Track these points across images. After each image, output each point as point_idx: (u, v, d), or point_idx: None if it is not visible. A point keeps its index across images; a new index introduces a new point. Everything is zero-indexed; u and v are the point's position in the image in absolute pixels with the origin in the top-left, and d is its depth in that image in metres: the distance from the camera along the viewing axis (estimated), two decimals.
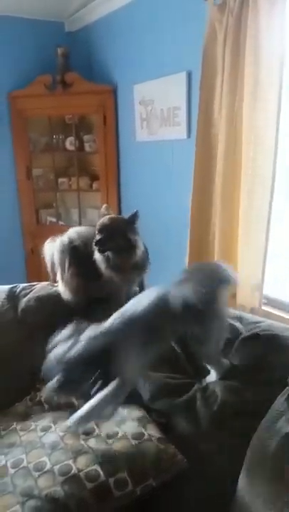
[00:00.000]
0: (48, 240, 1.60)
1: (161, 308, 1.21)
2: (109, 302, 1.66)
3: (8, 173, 3.58)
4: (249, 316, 1.47)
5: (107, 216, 1.51)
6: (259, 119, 2.00)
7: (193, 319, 1.25)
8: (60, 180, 3.66)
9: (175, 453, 1.18)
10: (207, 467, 1.18)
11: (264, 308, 2.25)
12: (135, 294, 1.66)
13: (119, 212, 3.49)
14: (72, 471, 1.11)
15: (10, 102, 3.44)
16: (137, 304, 1.25)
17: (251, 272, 2.18)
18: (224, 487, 1.13)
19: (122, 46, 3.11)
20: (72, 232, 1.59)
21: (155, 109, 2.82)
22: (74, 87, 3.29)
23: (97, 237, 1.46)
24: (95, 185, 3.58)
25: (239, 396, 1.23)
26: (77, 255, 1.54)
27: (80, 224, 3.51)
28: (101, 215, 1.54)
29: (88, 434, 1.23)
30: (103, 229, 1.47)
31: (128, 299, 1.62)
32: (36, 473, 1.13)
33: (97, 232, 1.47)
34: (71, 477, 1.09)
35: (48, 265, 1.59)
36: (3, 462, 1.20)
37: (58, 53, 3.32)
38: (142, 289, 1.67)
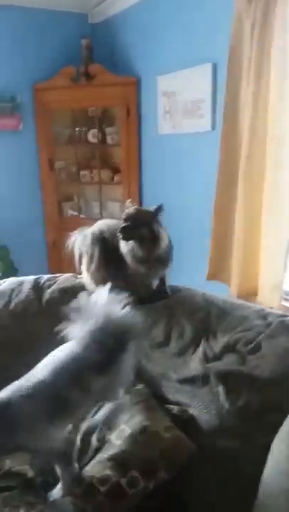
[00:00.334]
0: (76, 231, 1.61)
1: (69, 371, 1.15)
2: (131, 295, 1.67)
3: (32, 165, 3.62)
4: (274, 311, 1.46)
5: (133, 207, 1.54)
6: (286, 110, 1.97)
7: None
8: (82, 172, 3.68)
9: (182, 439, 1.17)
10: (229, 464, 1.17)
11: (284, 303, 2.24)
12: (159, 289, 1.67)
13: (140, 205, 3.49)
14: (86, 482, 1.12)
15: (34, 94, 3.46)
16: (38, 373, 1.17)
17: (272, 272, 2.17)
18: (247, 484, 1.12)
19: (146, 37, 3.09)
20: (102, 224, 1.60)
21: (179, 101, 2.80)
22: (97, 78, 3.28)
23: (122, 224, 1.49)
24: (116, 178, 3.59)
25: (265, 391, 1.22)
26: (106, 247, 1.55)
27: (101, 217, 3.53)
28: (126, 208, 1.55)
29: (100, 448, 1.24)
30: (128, 218, 1.49)
31: (150, 293, 1.64)
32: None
33: (122, 220, 1.50)
34: (85, 487, 1.11)
35: (76, 256, 1.60)
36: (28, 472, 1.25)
37: (82, 45, 3.31)
38: (163, 284, 1.67)
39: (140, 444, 1.17)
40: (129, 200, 1.61)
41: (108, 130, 3.51)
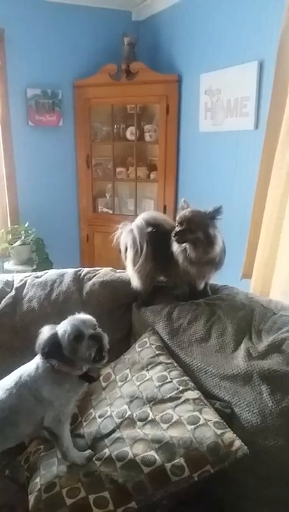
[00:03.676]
0: (122, 224, 1.60)
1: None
2: (173, 291, 1.67)
3: (70, 160, 3.67)
4: None
5: (189, 209, 1.49)
6: None
7: None
8: (118, 169, 3.69)
9: (234, 439, 1.15)
10: (271, 462, 1.15)
11: None
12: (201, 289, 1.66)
13: (175, 204, 3.47)
14: (129, 457, 1.14)
15: (74, 91, 3.50)
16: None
17: (285, 277, 2.13)
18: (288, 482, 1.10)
19: (190, 35, 3.07)
20: (149, 217, 1.59)
21: (221, 99, 2.77)
22: (138, 76, 3.29)
23: (177, 228, 1.45)
24: (152, 176, 3.59)
25: None
26: (155, 239, 1.54)
27: (135, 214, 3.53)
28: (180, 209, 1.51)
29: (143, 420, 1.25)
30: (183, 221, 1.45)
31: (192, 291, 1.63)
32: (98, 462, 1.19)
33: (177, 223, 1.46)
34: (128, 462, 1.13)
35: (122, 249, 1.60)
36: None
37: (125, 42, 3.33)
38: (205, 287, 1.66)
39: (190, 433, 1.16)
40: (183, 199, 1.55)
41: (146, 127, 3.51)
